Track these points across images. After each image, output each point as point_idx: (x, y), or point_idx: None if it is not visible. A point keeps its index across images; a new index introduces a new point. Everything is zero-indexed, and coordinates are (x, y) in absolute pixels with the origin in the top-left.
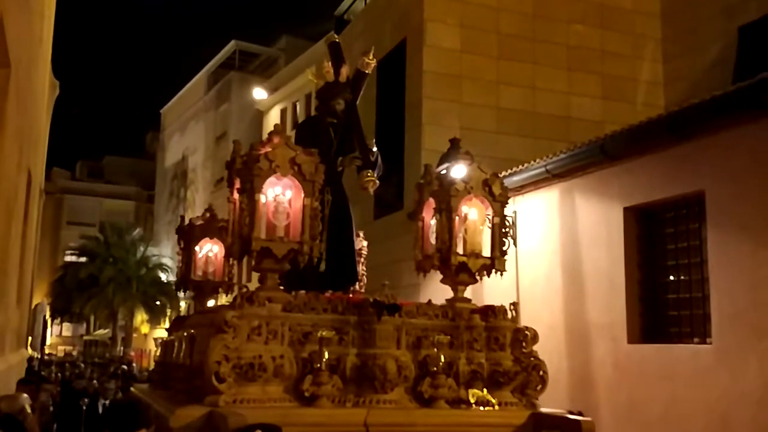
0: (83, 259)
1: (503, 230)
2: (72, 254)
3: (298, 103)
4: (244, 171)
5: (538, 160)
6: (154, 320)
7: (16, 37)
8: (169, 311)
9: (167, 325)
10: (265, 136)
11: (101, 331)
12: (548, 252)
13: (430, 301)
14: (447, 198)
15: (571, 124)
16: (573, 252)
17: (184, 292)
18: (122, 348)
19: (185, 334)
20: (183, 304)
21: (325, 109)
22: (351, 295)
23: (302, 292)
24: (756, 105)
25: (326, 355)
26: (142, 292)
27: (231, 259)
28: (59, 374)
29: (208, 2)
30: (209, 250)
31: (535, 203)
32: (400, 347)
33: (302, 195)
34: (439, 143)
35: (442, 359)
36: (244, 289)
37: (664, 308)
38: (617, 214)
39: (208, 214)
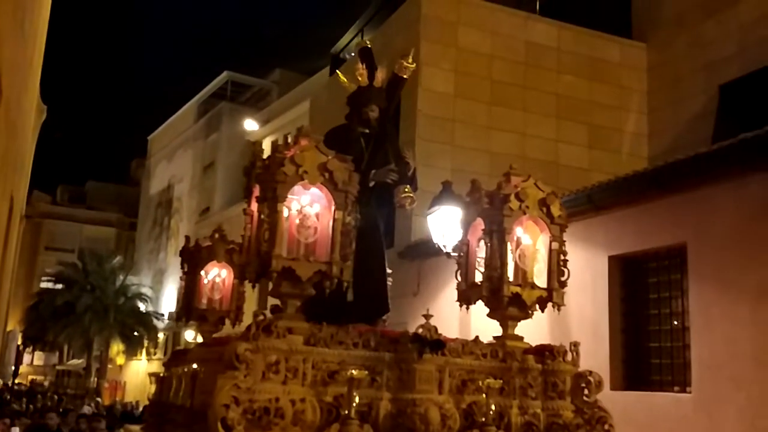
0: (60, 286)
1: (561, 258)
2: (48, 281)
3: (289, 136)
4: (266, 177)
5: None
6: (131, 351)
7: (8, 65)
8: (146, 342)
9: (143, 356)
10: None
11: (75, 361)
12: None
13: (477, 338)
14: (499, 219)
15: (559, 170)
16: None
17: (186, 321)
18: (96, 379)
19: (186, 370)
20: (161, 336)
21: (356, 116)
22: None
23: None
24: (737, 163)
25: (356, 399)
26: (120, 321)
27: (245, 282)
28: (31, 406)
29: (201, 32)
30: (216, 275)
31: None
32: (442, 392)
33: (332, 207)
34: (431, 184)
35: (493, 408)
36: (260, 317)
37: (646, 356)
38: (602, 262)
39: (216, 235)
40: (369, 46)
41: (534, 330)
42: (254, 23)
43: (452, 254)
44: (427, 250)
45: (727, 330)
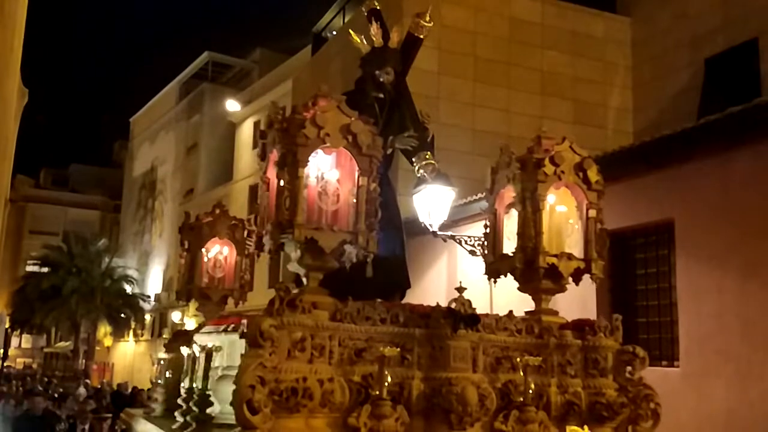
0: (45, 270)
1: (599, 226)
2: (34, 264)
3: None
4: (285, 140)
5: None
6: (118, 333)
7: None
8: (133, 324)
9: (131, 337)
10: (238, 148)
11: (62, 344)
12: None
13: (511, 312)
14: (533, 185)
15: None
16: None
17: (187, 300)
18: (84, 361)
19: (198, 350)
20: (148, 317)
21: (370, 80)
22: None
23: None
24: (724, 138)
25: (389, 379)
26: (106, 304)
27: (247, 259)
28: (20, 389)
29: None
30: (218, 252)
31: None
32: (477, 370)
33: (356, 173)
34: None
35: (532, 387)
36: (282, 292)
37: (634, 332)
38: None
39: (217, 211)
40: (377, 7)
41: (520, 307)
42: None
43: (438, 233)
44: (413, 230)
45: (715, 304)
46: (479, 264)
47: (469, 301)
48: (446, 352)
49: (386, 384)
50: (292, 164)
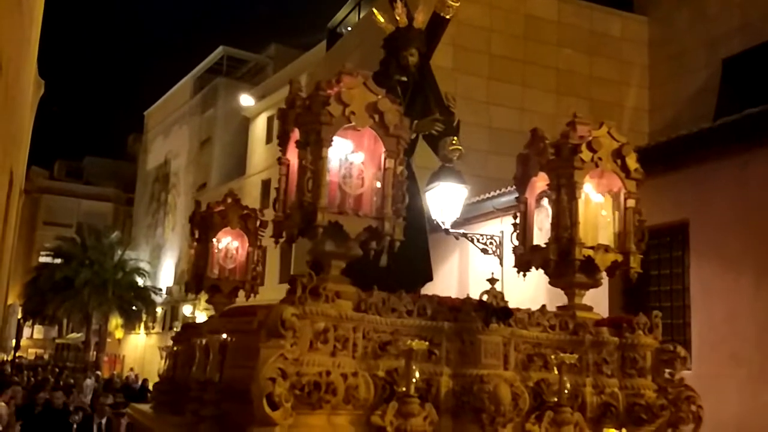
0: (58, 261)
1: (638, 217)
2: (47, 255)
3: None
4: (308, 118)
5: None
6: (129, 325)
7: (7, 41)
8: (144, 317)
9: (142, 330)
10: (251, 143)
11: (74, 335)
12: (535, 274)
13: (544, 307)
14: (569, 171)
15: None
16: None
17: (197, 292)
18: (95, 353)
19: (210, 341)
20: (159, 310)
21: (393, 61)
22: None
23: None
24: (741, 139)
25: (417, 374)
26: (118, 296)
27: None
28: (33, 379)
29: (198, 7)
30: (229, 242)
31: None
32: (508, 367)
33: (382, 155)
34: (429, 160)
35: (568, 387)
36: (305, 279)
37: None
38: None
39: (229, 200)
40: None
41: (533, 304)
42: None
43: (451, 231)
44: None
45: (728, 307)
46: (491, 262)
47: (501, 294)
48: (477, 348)
49: (414, 380)
50: (315, 144)
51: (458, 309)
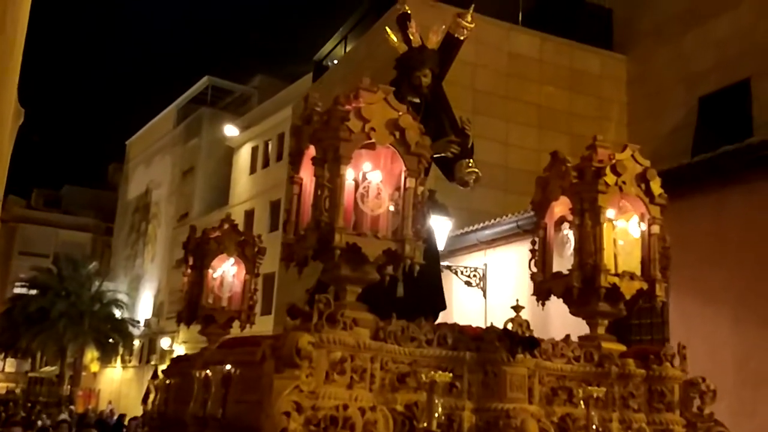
0: (34, 292)
1: (663, 244)
2: (22, 286)
3: (270, 142)
4: (326, 134)
5: (510, 215)
6: (105, 358)
7: None
8: (121, 350)
9: (118, 363)
10: (235, 173)
11: (48, 368)
12: (524, 302)
13: (568, 337)
14: (593, 195)
15: None
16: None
17: (189, 322)
18: (69, 387)
19: (207, 373)
20: (137, 343)
21: (405, 82)
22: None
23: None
24: (718, 175)
25: (439, 409)
26: (95, 328)
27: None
28: (3, 414)
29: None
30: (225, 270)
31: (506, 257)
32: (532, 401)
33: (403, 173)
34: None
35: (595, 422)
36: (322, 304)
37: None
38: None
39: (226, 225)
40: (408, 11)
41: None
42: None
43: None
44: None
45: (708, 342)
46: (475, 295)
47: (527, 322)
48: (502, 380)
49: (437, 415)
50: (333, 161)
51: (481, 338)
